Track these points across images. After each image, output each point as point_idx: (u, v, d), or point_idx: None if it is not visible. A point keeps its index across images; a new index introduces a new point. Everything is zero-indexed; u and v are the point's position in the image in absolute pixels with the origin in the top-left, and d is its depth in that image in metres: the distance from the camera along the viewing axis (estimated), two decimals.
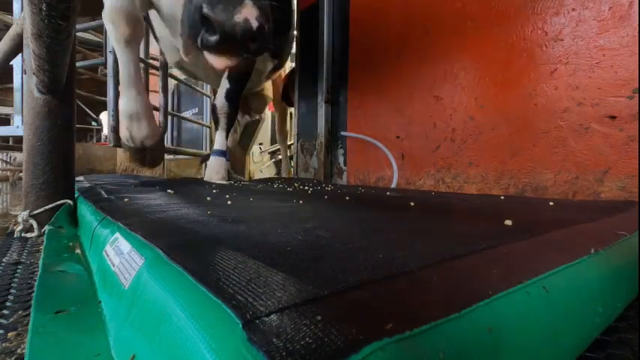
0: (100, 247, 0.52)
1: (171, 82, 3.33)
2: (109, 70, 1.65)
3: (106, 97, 2.95)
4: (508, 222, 0.48)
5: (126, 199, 0.80)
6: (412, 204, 0.76)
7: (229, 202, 0.78)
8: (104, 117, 4.23)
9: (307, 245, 0.39)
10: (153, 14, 1.44)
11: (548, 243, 0.39)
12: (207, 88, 2.80)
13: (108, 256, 0.46)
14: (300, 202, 0.83)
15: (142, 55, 2.12)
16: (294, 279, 0.28)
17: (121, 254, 0.42)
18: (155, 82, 2.32)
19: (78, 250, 0.67)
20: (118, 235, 0.47)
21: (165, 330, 0.25)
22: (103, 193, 0.96)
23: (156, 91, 2.35)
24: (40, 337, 0.34)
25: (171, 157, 3.42)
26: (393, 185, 1.54)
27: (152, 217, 0.56)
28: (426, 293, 0.26)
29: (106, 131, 4.20)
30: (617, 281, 0.38)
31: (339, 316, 0.23)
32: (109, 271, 0.43)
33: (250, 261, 0.32)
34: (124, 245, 0.43)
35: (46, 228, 0.82)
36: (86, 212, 0.76)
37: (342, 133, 1.82)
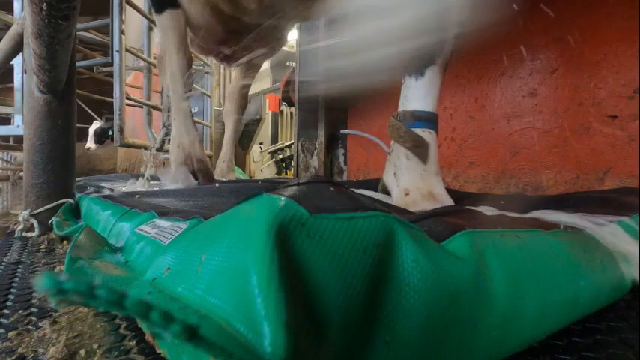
0: (127, 230, 0.53)
1: None
2: (116, 71, 1.64)
3: (106, 96, 2.94)
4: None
5: (137, 196, 0.81)
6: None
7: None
8: (92, 129, 4.09)
9: None
10: None
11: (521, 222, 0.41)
12: (208, 88, 2.80)
13: (142, 230, 0.47)
14: None
15: (145, 55, 2.12)
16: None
17: (158, 227, 0.44)
18: (157, 81, 2.32)
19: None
20: (154, 219, 0.49)
21: (200, 235, 0.28)
22: (111, 191, 0.97)
23: (157, 91, 2.35)
24: (74, 264, 0.36)
25: (167, 156, 3.42)
26: None
27: (174, 206, 0.58)
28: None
29: (89, 144, 4.09)
30: (595, 258, 0.39)
31: (350, 196, 0.27)
32: (143, 237, 0.44)
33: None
34: (163, 223, 0.44)
35: (54, 219, 0.82)
36: (96, 208, 0.76)
37: (342, 131, 1.82)
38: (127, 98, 1.77)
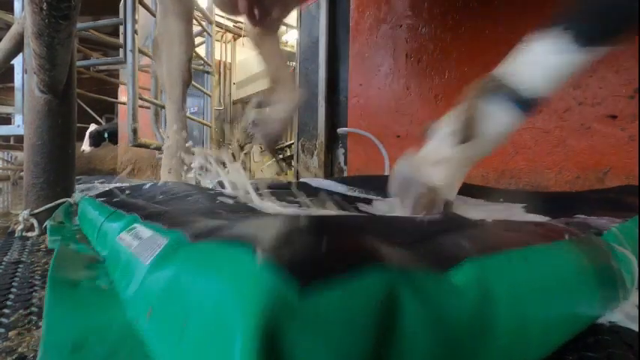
0: (110, 237, 0.52)
1: None
2: (129, 70, 1.65)
3: (107, 96, 2.95)
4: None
5: (127, 191, 0.81)
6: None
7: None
8: (88, 131, 4.06)
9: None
10: None
11: (526, 231, 0.40)
12: (208, 88, 2.80)
13: (123, 241, 0.46)
14: None
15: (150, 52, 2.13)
16: (299, 218, 0.31)
17: (139, 238, 0.43)
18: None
19: (84, 241, 0.67)
20: (135, 225, 0.48)
21: (182, 281, 0.27)
22: (104, 189, 0.96)
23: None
24: (56, 307, 0.35)
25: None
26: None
27: (163, 207, 0.57)
28: (419, 255, 0.28)
29: (85, 146, 4.07)
30: (597, 267, 0.38)
31: (344, 244, 0.25)
32: (124, 252, 0.43)
33: (256, 219, 0.36)
34: (144, 232, 0.43)
35: (47, 223, 0.82)
36: (89, 208, 0.76)
37: (339, 130, 1.82)
38: (140, 98, 1.76)
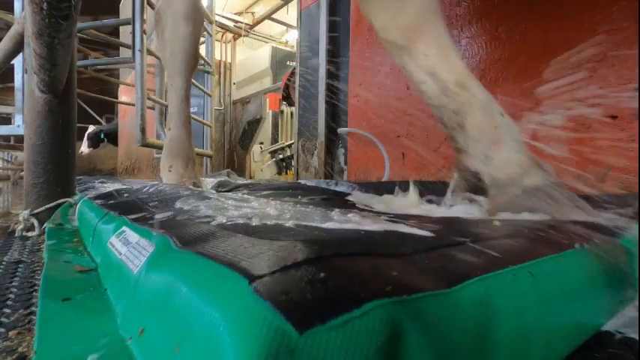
0: (103, 241, 0.52)
1: None
2: (137, 70, 1.66)
3: (107, 96, 2.95)
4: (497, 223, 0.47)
5: (125, 195, 0.81)
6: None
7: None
8: (86, 133, 4.06)
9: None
10: None
11: (534, 238, 0.40)
12: (208, 87, 2.80)
13: (114, 246, 0.46)
14: None
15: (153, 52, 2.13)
16: (295, 243, 0.29)
17: (128, 244, 0.42)
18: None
19: (80, 246, 0.67)
20: (124, 228, 0.48)
21: (174, 301, 0.26)
22: (102, 190, 0.96)
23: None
24: (48, 323, 0.35)
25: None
26: (385, 179, 1.55)
27: (156, 210, 0.56)
28: (421, 271, 0.27)
29: (83, 148, 4.06)
30: (607, 275, 0.38)
31: (341, 275, 0.24)
32: (114, 259, 0.43)
33: (250, 238, 0.33)
34: (132, 236, 0.43)
35: (46, 225, 0.83)
36: (86, 209, 0.77)
37: (339, 130, 1.82)
38: (147, 98, 1.77)
